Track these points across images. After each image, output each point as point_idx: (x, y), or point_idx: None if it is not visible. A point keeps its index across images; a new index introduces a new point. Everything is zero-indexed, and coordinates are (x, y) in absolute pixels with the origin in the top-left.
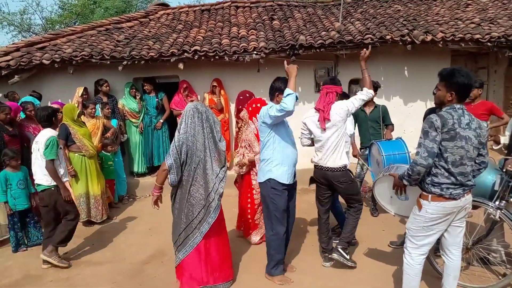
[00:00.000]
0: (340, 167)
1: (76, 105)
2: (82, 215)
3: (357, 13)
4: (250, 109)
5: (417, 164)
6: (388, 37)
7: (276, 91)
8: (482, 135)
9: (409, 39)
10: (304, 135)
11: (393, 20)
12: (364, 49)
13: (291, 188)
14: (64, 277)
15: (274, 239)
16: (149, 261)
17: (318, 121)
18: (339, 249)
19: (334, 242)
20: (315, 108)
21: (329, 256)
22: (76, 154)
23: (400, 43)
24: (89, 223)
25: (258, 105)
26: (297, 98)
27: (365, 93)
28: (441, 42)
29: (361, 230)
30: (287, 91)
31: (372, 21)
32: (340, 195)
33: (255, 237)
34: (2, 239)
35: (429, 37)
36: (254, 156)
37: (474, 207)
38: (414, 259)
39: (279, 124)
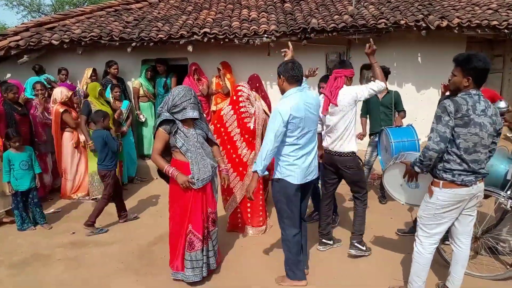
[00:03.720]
0: (348, 153)
1: (85, 87)
2: (94, 193)
3: None
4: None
5: (429, 149)
6: (402, 22)
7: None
8: (498, 122)
9: (424, 25)
10: None
11: (408, 4)
12: (367, 44)
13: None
14: (72, 256)
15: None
16: (157, 242)
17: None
18: (356, 244)
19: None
20: (320, 93)
21: (349, 248)
22: None
23: (415, 29)
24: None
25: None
26: None
27: (376, 85)
28: (456, 28)
29: (369, 218)
30: None
31: (387, 5)
32: (346, 181)
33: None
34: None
35: (444, 23)
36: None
37: (485, 196)
38: (425, 248)
39: None
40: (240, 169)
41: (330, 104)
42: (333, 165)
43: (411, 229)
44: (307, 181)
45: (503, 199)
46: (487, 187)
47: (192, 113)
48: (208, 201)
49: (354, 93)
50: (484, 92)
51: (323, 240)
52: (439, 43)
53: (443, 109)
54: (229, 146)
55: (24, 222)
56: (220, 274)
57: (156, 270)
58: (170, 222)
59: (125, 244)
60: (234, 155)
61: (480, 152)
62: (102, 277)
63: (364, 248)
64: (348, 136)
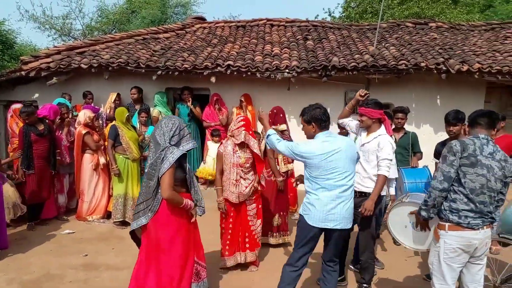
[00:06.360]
0: None
1: (108, 110)
2: (117, 215)
3: (392, 38)
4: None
5: (433, 188)
6: (423, 64)
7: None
8: (507, 168)
9: (444, 68)
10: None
11: (429, 47)
12: (364, 91)
13: None
14: (83, 279)
15: None
16: None
17: None
18: None
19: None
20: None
21: None
22: (121, 156)
23: (435, 72)
24: (123, 224)
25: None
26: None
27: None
28: (477, 73)
29: (384, 259)
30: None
31: (407, 48)
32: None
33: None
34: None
35: (465, 67)
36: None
37: (505, 244)
38: None
39: None
40: None
41: None
42: None
43: None
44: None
45: None
46: (507, 235)
47: (193, 144)
48: None
49: None
50: (503, 138)
51: None
52: (459, 87)
53: (449, 149)
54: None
55: None
56: None
57: None
58: (180, 257)
59: None
60: None
61: (487, 195)
62: None
63: None
64: None
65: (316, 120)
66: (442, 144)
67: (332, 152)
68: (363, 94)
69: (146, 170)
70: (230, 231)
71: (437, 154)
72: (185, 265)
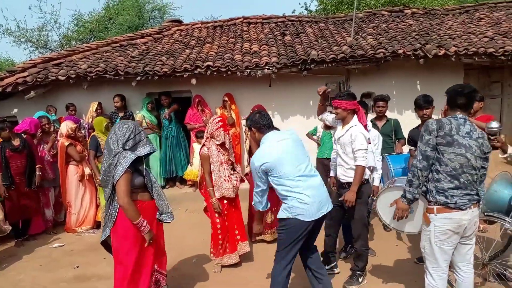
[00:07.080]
0: None
1: (91, 120)
2: None
3: (369, 28)
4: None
5: (415, 167)
6: (400, 51)
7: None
8: (485, 145)
9: (421, 53)
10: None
11: (405, 34)
12: (324, 88)
13: None
14: None
15: None
16: None
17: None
18: None
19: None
20: (365, 126)
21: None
22: None
23: (413, 57)
24: None
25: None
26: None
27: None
28: (454, 56)
29: (374, 245)
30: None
31: (384, 36)
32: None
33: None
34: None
35: (442, 51)
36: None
37: (491, 222)
38: (436, 280)
39: None
40: None
41: None
42: None
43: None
44: (321, 214)
45: (508, 225)
46: (492, 213)
47: (150, 148)
48: None
49: None
50: (482, 118)
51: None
52: (437, 70)
53: (425, 128)
54: None
55: None
56: None
57: None
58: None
59: None
60: None
61: (469, 174)
62: None
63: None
64: None
65: (254, 125)
66: (415, 129)
67: (282, 143)
68: (321, 91)
69: (100, 178)
70: (228, 226)
71: (410, 140)
72: (139, 278)
